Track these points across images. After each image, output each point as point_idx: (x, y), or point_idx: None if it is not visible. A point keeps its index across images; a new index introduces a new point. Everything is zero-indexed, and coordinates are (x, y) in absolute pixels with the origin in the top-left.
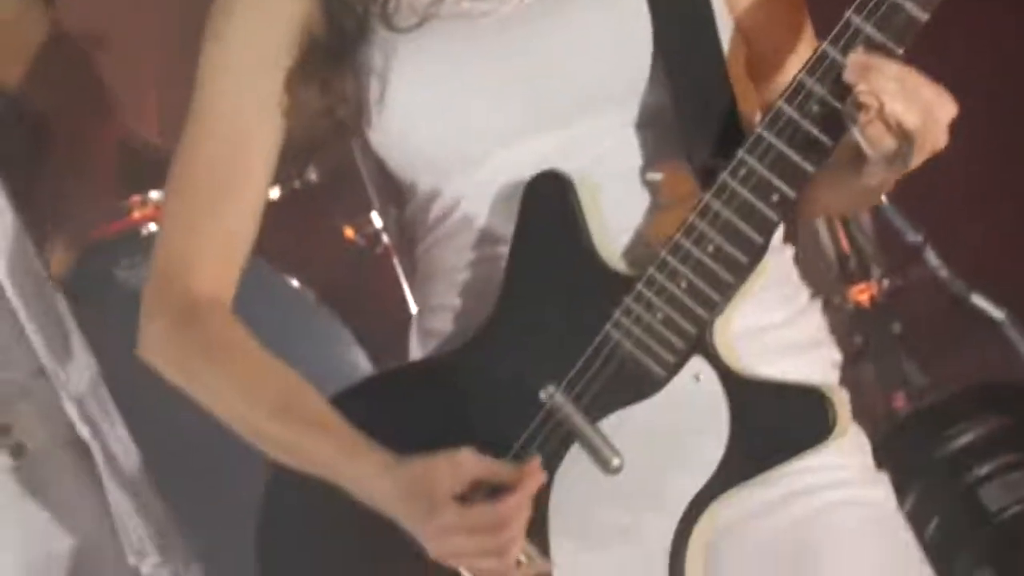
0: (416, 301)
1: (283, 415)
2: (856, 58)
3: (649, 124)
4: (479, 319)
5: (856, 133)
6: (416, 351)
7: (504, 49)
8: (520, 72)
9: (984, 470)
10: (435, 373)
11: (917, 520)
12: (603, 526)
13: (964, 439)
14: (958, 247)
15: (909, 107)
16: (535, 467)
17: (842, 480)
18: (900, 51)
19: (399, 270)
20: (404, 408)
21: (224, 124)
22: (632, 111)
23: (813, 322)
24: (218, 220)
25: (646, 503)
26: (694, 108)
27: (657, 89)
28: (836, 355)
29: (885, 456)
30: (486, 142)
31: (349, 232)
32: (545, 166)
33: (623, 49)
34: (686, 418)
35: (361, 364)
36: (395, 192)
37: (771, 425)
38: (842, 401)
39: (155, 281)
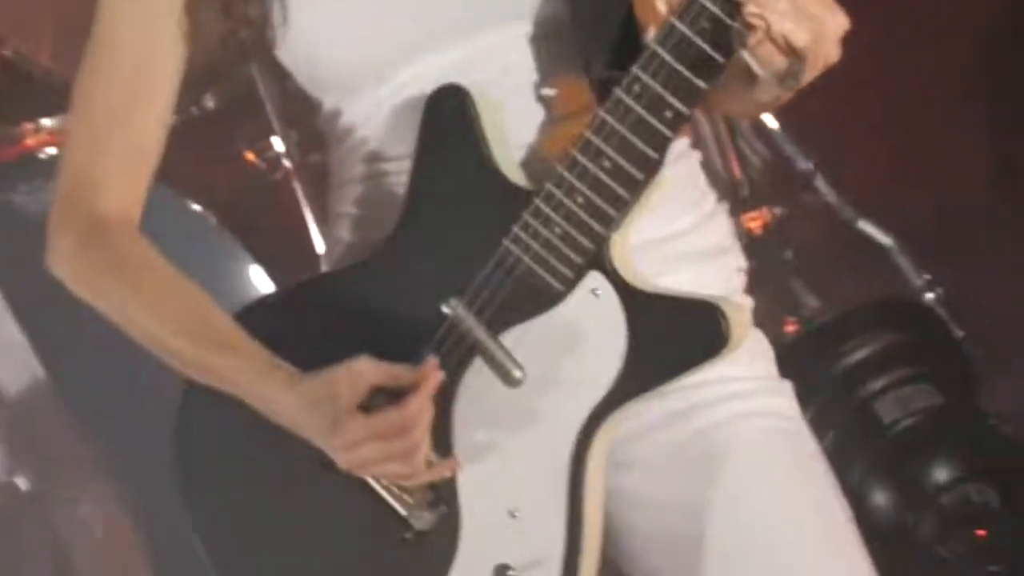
0: (329, 209)
1: (190, 333)
2: None
3: (548, 37)
4: (384, 232)
5: (745, 54)
6: (324, 260)
7: None
8: None
9: (878, 384)
10: (339, 287)
11: (814, 433)
12: (506, 438)
13: (858, 355)
14: (848, 174)
15: (798, 25)
16: (432, 366)
17: (746, 391)
18: None
19: (300, 195)
20: (309, 322)
21: (126, 48)
22: (530, 24)
23: (720, 227)
24: (123, 138)
25: (547, 415)
26: (591, 19)
27: (555, 1)
28: (742, 261)
29: (782, 374)
30: (390, 57)
31: (250, 156)
32: (447, 80)
33: None
34: (585, 332)
35: (262, 288)
36: (297, 116)
37: (667, 338)
38: (738, 313)
39: (61, 200)
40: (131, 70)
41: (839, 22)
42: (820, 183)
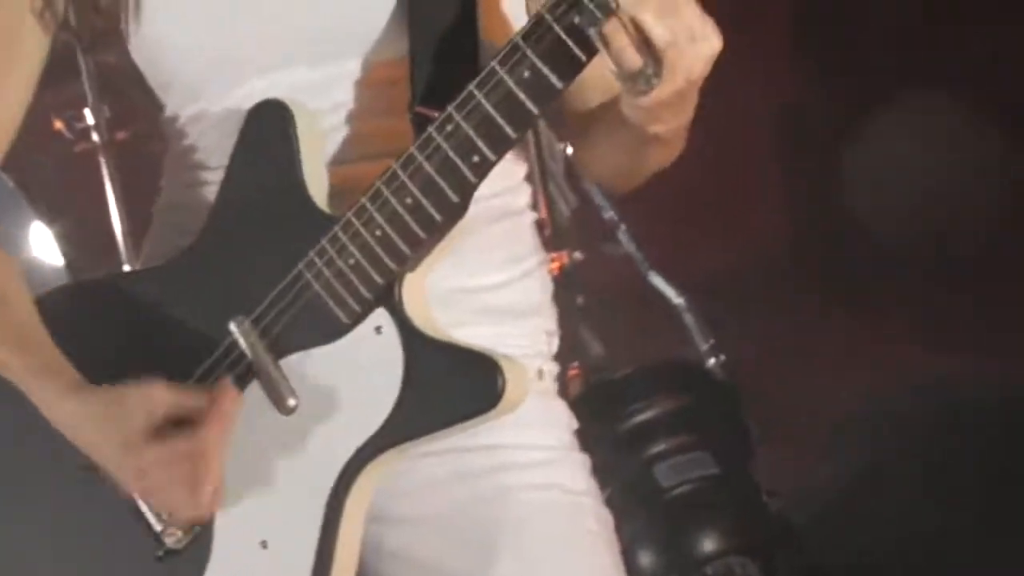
0: (155, 208)
1: None
2: None
3: (387, 73)
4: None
5: (593, 34)
6: (142, 258)
7: None
8: (280, 4)
9: (659, 448)
10: (136, 287)
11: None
12: (270, 466)
13: (643, 416)
14: (650, 231)
15: (660, 20)
16: (228, 391)
17: (531, 461)
18: None
19: (104, 171)
20: (98, 319)
21: None
22: (372, 57)
23: (536, 288)
24: None
25: (313, 449)
26: (431, 59)
27: (398, 37)
28: (551, 325)
29: None
30: (231, 72)
31: (58, 124)
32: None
33: None
34: (363, 369)
35: (43, 247)
36: (112, 91)
37: (441, 388)
38: (517, 373)
39: None
40: None
41: (711, 40)
42: (622, 234)
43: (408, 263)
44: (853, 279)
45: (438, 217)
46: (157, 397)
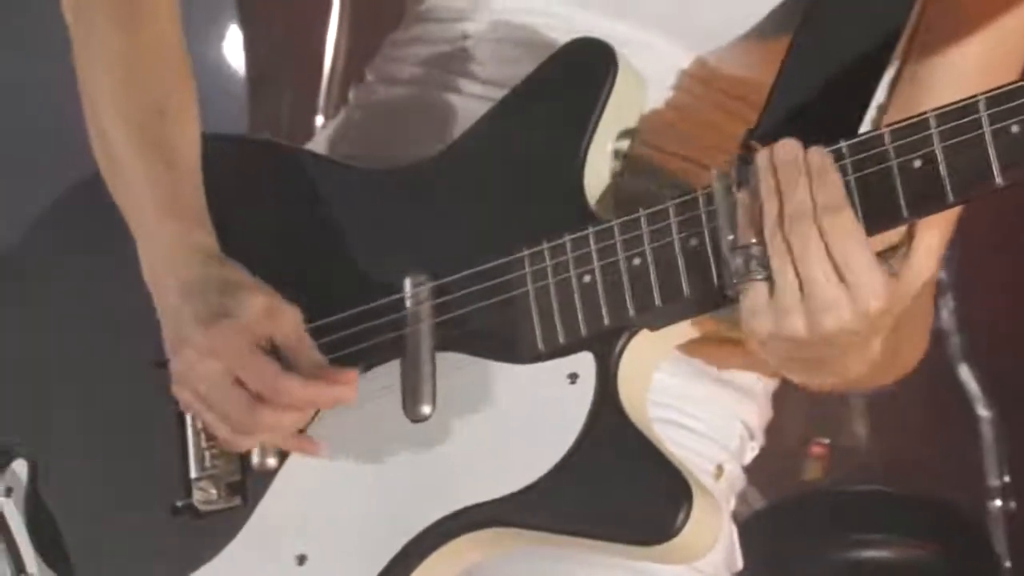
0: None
1: (136, 123)
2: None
3: (738, 81)
4: (410, 150)
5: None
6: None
7: None
8: None
9: None
10: (327, 178)
11: None
12: (357, 473)
13: (872, 552)
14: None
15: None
16: (351, 378)
17: None
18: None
19: None
20: (275, 195)
21: None
22: (725, 57)
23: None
24: None
25: (415, 480)
26: (799, 90)
27: (767, 51)
28: (756, 422)
29: None
30: None
31: None
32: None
33: None
34: (528, 416)
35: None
36: None
37: (607, 485)
38: (710, 514)
39: None
40: None
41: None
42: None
43: (653, 317)
44: None
45: (692, 296)
46: (284, 319)
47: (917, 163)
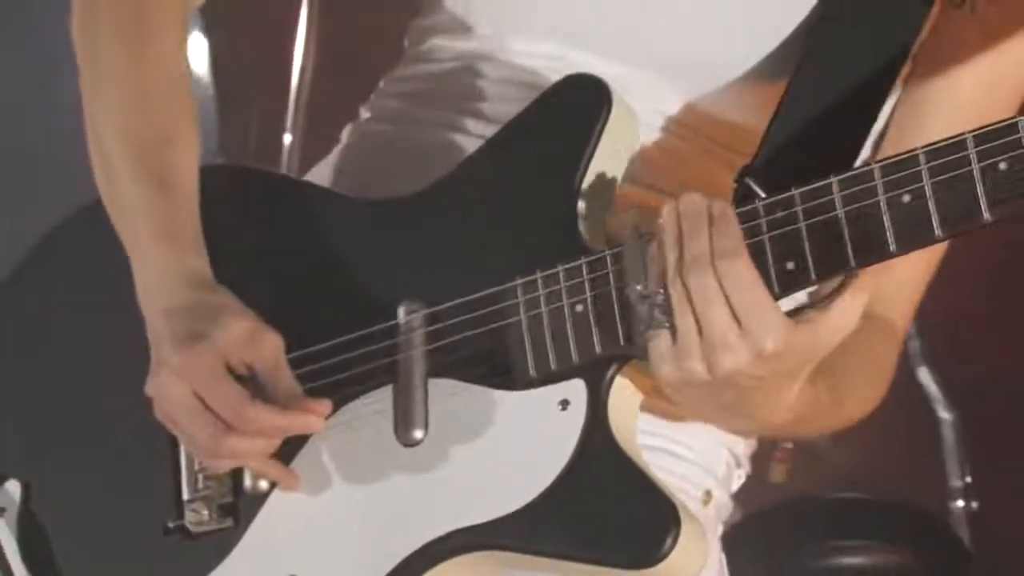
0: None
1: (139, 148)
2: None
3: (733, 126)
4: (408, 187)
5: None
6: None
7: None
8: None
9: None
10: (320, 207)
11: None
12: (342, 499)
13: (848, 559)
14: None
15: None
16: (322, 408)
17: None
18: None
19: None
20: (268, 221)
21: None
22: (718, 99)
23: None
24: None
25: (404, 503)
26: (794, 129)
27: (763, 91)
28: (742, 450)
29: None
30: (570, 37)
31: None
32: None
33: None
34: (518, 441)
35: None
36: None
37: (595, 509)
38: (695, 540)
39: None
40: None
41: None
42: None
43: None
44: None
45: None
46: (266, 346)
47: (906, 198)
